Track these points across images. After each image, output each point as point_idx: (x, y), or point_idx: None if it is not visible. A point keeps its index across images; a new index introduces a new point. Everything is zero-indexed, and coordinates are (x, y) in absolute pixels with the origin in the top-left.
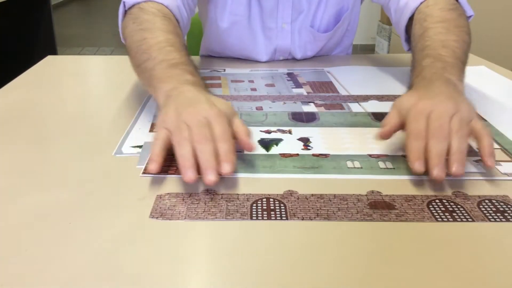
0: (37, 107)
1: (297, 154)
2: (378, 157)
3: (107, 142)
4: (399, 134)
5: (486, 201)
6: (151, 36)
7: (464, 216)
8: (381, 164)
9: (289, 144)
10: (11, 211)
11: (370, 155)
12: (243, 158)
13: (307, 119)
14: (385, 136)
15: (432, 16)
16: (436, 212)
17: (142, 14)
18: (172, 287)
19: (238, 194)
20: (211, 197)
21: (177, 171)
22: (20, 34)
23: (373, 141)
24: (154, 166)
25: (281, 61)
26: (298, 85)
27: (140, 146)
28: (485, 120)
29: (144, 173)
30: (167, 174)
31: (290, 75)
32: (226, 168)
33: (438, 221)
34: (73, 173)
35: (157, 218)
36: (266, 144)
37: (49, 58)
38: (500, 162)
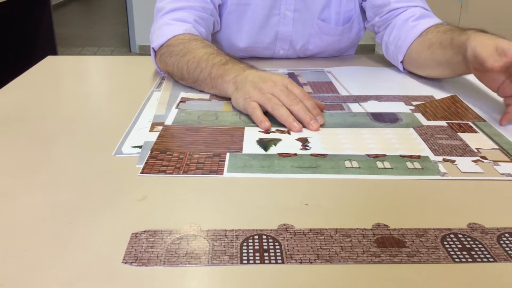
0: (37, 107)
1: (296, 154)
2: (376, 157)
3: (107, 142)
4: (390, 139)
5: (507, 234)
6: (193, 56)
7: (484, 254)
8: (379, 164)
9: (288, 144)
10: (11, 211)
11: (368, 155)
12: (242, 158)
13: None
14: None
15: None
16: (452, 250)
17: (173, 48)
18: None
19: (226, 230)
20: (194, 235)
21: (174, 171)
22: (20, 34)
23: (371, 141)
24: (267, 124)
25: (282, 60)
26: (299, 85)
27: (140, 146)
28: (484, 121)
29: (142, 172)
30: (165, 174)
31: (291, 75)
32: (320, 120)
33: (455, 261)
34: (73, 173)
35: (131, 263)
36: (265, 144)
37: (49, 58)
38: (499, 163)
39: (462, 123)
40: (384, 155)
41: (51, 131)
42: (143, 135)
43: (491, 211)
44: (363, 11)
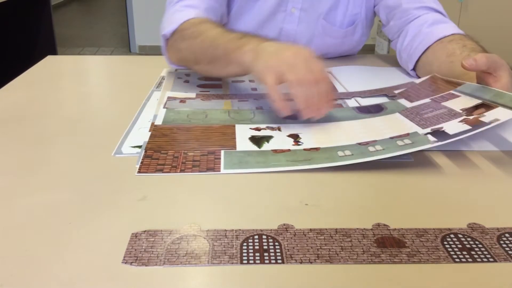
0: (37, 107)
1: (289, 150)
2: (367, 143)
3: (107, 142)
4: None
5: (507, 234)
6: (205, 36)
7: (484, 254)
8: (371, 148)
9: (280, 140)
10: (11, 211)
11: (359, 143)
12: (237, 155)
13: (294, 116)
14: (470, 67)
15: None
16: (453, 250)
17: (185, 32)
18: None
19: (226, 230)
20: (194, 235)
21: (172, 170)
22: (20, 34)
23: (361, 130)
24: (285, 113)
25: None
26: None
27: (139, 146)
28: (465, 83)
29: (139, 172)
30: (163, 172)
31: None
32: (329, 107)
33: (455, 261)
34: (73, 173)
35: (131, 263)
36: (257, 141)
37: (49, 58)
38: (484, 113)
39: (444, 94)
40: (375, 140)
41: (51, 131)
42: (143, 135)
43: (491, 211)
44: (370, 17)
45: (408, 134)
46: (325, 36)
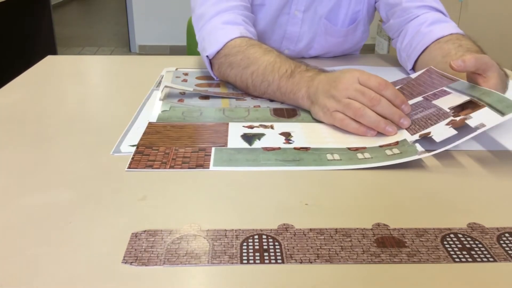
0: (37, 107)
1: (279, 148)
2: (357, 150)
3: (106, 142)
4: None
5: (507, 234)
6: (256, 68)
7: (484, 254)
8: (360, 155)
9: (271, 138)
10: (11, 211)
11: (349, 148)
12: (227, 152)
13: (288, 114)
14: (457, 69)
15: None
16: (452, 250)
17: (232, 58)
18: None
19: (225, 230)
20: (194, 235)
21: (161, 166)
22: (20, 34)
23: (352, 135)
24: (373, 132)
25: None
26: None
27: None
28: (458, 80)
29: (129, 167)
30: (152, 168)
31: None
32: (406, 109)
33: (455, 261)
34: (73, 173)
35: (131, 263)
36: (249, 138)
37: (49, 58)
38: (470, 115)
39: (436, 91)
40: (364, 148)
41: (51, 131)
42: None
43: (491, 211)
44: (371, 13)
45: (397, 143)
46: (327, 36)
